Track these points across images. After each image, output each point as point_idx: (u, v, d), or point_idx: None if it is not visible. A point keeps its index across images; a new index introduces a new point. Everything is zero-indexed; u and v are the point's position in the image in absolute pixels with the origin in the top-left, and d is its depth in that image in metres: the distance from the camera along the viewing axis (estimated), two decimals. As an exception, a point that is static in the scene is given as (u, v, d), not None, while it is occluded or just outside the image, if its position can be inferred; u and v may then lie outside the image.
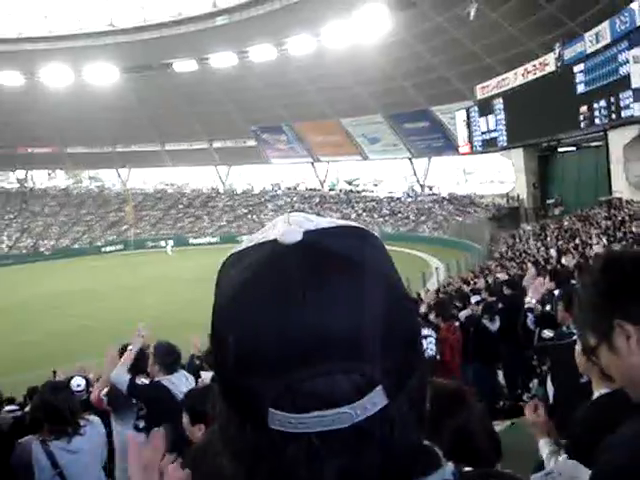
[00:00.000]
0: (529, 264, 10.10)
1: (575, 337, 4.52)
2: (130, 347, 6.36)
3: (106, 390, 6.24)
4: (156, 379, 5.88)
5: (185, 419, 4.01)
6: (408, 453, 0.77)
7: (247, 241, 0.80)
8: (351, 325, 0.70)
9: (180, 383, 5.75)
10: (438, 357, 9.51)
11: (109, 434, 5.78)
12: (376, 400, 0.72)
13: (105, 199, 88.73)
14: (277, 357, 0.69)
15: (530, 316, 7.34)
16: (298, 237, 0.74)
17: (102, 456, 5.30)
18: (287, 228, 0.76)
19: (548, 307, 8.29)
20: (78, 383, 8.51)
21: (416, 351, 0.79)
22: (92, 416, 5.35)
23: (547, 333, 5.62)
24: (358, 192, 79.05)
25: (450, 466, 0.82)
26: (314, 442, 0.71)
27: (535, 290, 7.73)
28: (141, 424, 5.81)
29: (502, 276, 19.51)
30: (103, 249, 76.38)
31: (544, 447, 3.45)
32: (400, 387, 0.75)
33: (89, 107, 78.15)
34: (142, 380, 6.07)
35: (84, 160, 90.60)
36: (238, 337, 0.71)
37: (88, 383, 8.93)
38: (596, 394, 3.13)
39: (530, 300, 7.51)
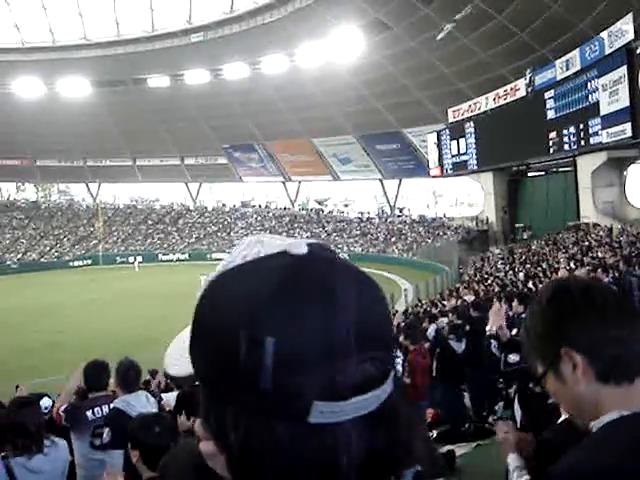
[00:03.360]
0: (495, 301, 10.20)
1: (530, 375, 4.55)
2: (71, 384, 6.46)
3: (64, 406, 6.20)
4: (112, 405, 5.84)
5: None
6: (409, 435, 0.86)
7: (231, 259, 0.87)
8: (375, 319, 0.82)
9: (138, 404, 5.69)
10: (407, 380, 9.53)
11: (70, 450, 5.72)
12: (390, 384, 0.82)
13: (74, 213, 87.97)
14: (321, 352, 0.75)
15: (493, 342, 7.35)
16: (305, 249, 0.83)
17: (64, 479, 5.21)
18: (293, 242, 0.84)
19: (515, 331, 8.34)
20: (46, 405, 8.39)
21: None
22: (58, 439, 5.28)
23: (512, 358, 5.65)
24: (329, 212, 79.17)
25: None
26: (347, 428, 0.77)
27: (493, 316, 7.75)
28: (97, 442, 5.75)
29: (469, 298, 19.60)
30: (71, 264, 75.68)
31: (512, 462, 3.48)
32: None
33: (61, 120, 77.78)
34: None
35: (54, 173, 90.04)
36: (281, 338, 0.75)
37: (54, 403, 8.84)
38: (562, 418, 3.17)
39: (491, 328, 7.51)
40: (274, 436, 0.77)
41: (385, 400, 0.81)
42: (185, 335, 0.90)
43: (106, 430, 5.24)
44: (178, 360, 0.93)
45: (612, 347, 1.45)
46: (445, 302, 24.58)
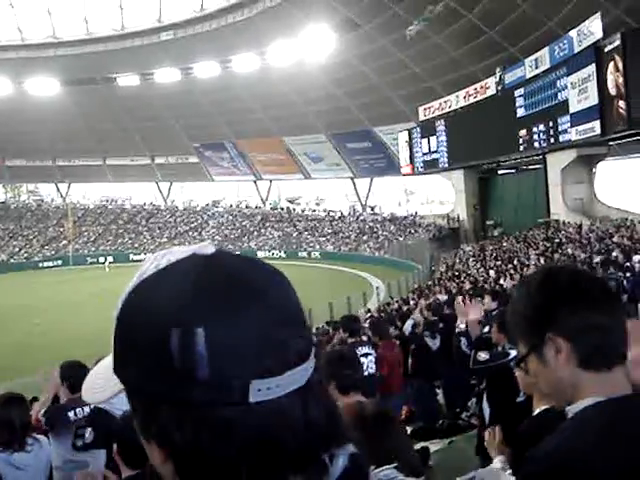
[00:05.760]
0: (459, 299, 10.40)
1: (510, 357, 4.60)
2: (46, 394, 6.39)
3: (43, 410, 6.14)
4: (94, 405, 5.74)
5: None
6: (335, 410, 0.92)
7: (142, 272, 0.91)
8: (290, 300, 0.88)
9: (120, 402, 5.57)
10: (378, 374, 9.55)
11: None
12: (313, 358, 0.87)
13: (44, 214, 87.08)
14: (251, 335, 0.80)
15: (463, 340, 7.41)
16: (213, 249, 0.89)
17: (46, 477, 5.20)
18: (199, 245, 0.91)
19: (487, 329, 8.39)
20: None
21: None
22: (41, 436, 5.27)
23: (482, 355, 5.70)
24: (300, 211, 79.17)
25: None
26: (284, 403, 0.81)
27: (461, 314, 7.80)
28: (79, 442, 5.72)
29: (442, 297, 19.72)
30: (41, 264, 75.03)
31: (496, 463, 3.52)
32: None
33: (29, 120, 76.96)
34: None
35: (23, 173, 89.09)
36: (210, 326, 0.79)
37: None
38: (537, 411, 3.20)
39: (460, 325, 7.57)
40: (220, 424, 0.80)
41: (312, 374, 0.86)
42: (102, 365, 0.95)
43: (88, 430, 5.19)
44: (102, 386, 0.93)
45: (595, 334, 1.49)
46: (415, 299, 24.69)
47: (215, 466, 0.81)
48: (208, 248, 0.90)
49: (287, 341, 0.83)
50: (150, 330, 0.82)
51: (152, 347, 0.81)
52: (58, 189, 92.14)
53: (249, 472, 0.81)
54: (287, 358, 0.83)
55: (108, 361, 0.92)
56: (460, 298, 8.72)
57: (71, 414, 5.89)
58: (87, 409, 5.82)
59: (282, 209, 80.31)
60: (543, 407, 3.13)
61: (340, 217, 72.47)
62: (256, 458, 0.81)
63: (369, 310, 26.40)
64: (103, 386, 0.92)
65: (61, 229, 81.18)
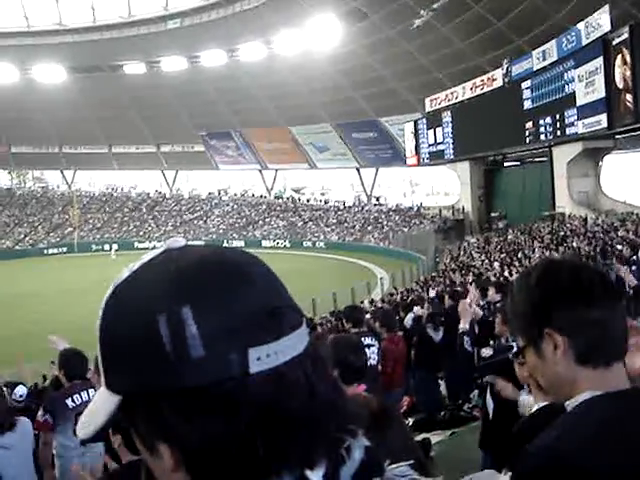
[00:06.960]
0: (462, 301, 10.36)
1: (514, 350, 4.61)
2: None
3: (41, 411, 6.14)
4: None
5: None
6: (339, 385, 0.90)
7: (117, 278, 0.89)
8: (277, 277, 0.88)
9: None
10: (380, 367, 9.56)
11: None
12: (306, 329, 0.87)
13: (49, 200, 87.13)
14: (239, 307, 0.80)
15: (466, 339, 7.38)
16: (183, 242, 0.89)
17: (31, 458, 5.24)
18: (169, 241, 0.90)
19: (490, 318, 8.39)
20: (21, 393, 8.36)
21: None
22: (21, 417, 5.30)
23: (486, 351, 5.68)
24: (305, 200, 79.09)
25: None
26: (284, 370, 0.80)
27: (464, 314, 7.77)
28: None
29: (432, 292, 19.75)
30: (46, 251, 75.10)
31: (525, 400, 3.51)
32: None
33: (36, 107, 77.05)
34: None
35: (29, 160, 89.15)
36: (196, 304, 0.78)
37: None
38: (535, 407, 3.20)
39: (464, 325, 7.54)
40: (225, 402, 0.77)
41: (308, 344, 0.85)
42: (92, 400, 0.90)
43: None
44: (87, 421, 0.88)
45: (594, 330, 1.48)
46: (420, 290, 24.71)
47: (228, 451, 0.78)
48: (179, 241, 0.89)
49: (277, 310, 0.82)
50: (136, 323, 0.80)
51: (141, 339, 0.79)
52: (64, 176, 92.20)
53: (264, 447, 0.78)
54: (280, 326, 0.81)
55: (97, 394, 0.89)
56: (466, 301, 8.69)
57: (69, 401, 5.90)
58: (85, 395, 5.85)
59: (287, 199, 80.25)
60: (542, 403, 3.14)
61: (345, 207, 72.44)
62: (265, 430, 0.78)
63: (372, 300, 26.47)
64: (88, 421, 0.87)
65: (66, 216, 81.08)
